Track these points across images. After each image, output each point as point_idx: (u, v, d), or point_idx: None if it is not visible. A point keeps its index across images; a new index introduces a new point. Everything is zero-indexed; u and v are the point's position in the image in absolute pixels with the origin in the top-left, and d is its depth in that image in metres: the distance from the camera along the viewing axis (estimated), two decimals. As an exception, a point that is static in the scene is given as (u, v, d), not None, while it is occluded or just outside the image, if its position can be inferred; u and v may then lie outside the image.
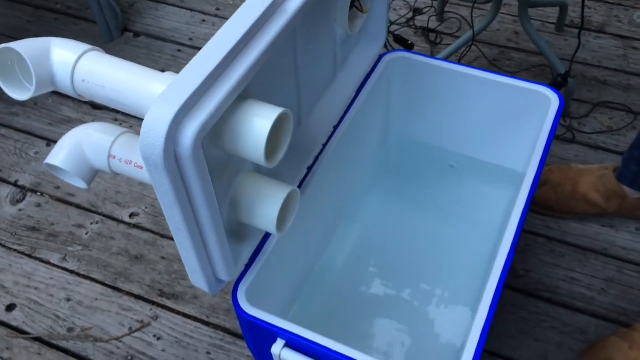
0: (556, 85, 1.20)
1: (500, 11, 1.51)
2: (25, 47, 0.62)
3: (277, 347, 0.71)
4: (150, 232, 1.16)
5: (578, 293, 1.03)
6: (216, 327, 1.03)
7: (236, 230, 0.74)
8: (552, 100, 0.92)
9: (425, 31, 1.48)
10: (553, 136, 0.88)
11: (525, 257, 1.08)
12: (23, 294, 1.09)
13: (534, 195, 1.11)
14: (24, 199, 1.24)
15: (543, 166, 0.85)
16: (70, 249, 1.15)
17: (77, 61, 0.63)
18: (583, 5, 1.17)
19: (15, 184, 1.27)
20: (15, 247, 1.16)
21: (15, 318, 1.06)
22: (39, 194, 1.25)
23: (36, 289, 1.10)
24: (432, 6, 1.54)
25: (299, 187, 0.83)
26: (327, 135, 0.88)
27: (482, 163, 1.09)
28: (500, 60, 1.41)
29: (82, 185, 0.75)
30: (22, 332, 1.05)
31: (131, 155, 0.72)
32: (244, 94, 0.61)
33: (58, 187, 1.25)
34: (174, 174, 0.55)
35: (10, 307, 1.08)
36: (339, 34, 0.86)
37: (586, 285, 1.04)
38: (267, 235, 0.78)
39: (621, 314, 1.00)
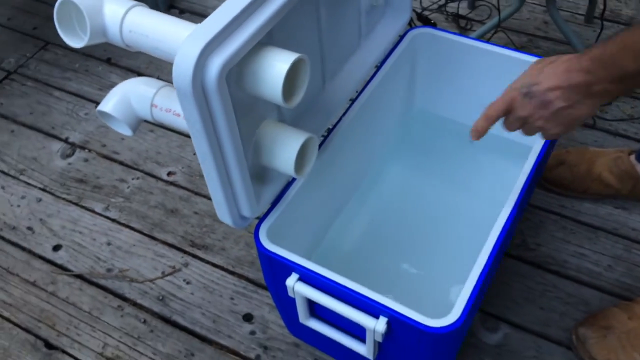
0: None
1: (530, 0, 1.55)
2: (82, 1, 0.71)
3: (292, 280, 0.78)
4: (185, 189, 1.26)
5: (585, 268, 1.07)
6: (240, 276, 1.12)
7: (260, 173, 0.82)
8: (565, 76, 0.96)
9: (456, 17, 1.54)
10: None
11: (537, 232, 1.12)
12: (68, 237, 1.20)
13: (550, 174, 1.16)
14: (73, 154, 1.35)
15: (549, 141, 0.89)
16: (112, 200, 1.26)
17: (125, 14, 0.72)
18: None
19: (65, 141, 1.38)
20: (63, 195, 1.27)
21: (60, 257, 1.17)
22: (86, 150, 1.36)
23: (80, 232, 1.21)
24: (466, -6, 1.59)
25: (322, 143, 0.90)
26: (350, 99, 0.95)
27: (500, 139, 1.13)
28: (528, 47, 1.45)
29: (127, 132, 0.83)
30: (65, 269, 1.15)
31: (170, 104, 0.80)
32: (267, 41, 0.69)
33: (104, 145, 1.36)
34: (201, 104, 0.63)
35: (56, 247, 1.19)
36: (363, 3, 0.93)
37: (594, 261, 1.08)
38: (291, 183, 0.86)
39: (625, 290, 1.04)
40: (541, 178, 1.17)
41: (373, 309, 0.73)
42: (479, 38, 1.34)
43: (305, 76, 0.72)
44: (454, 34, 1.06)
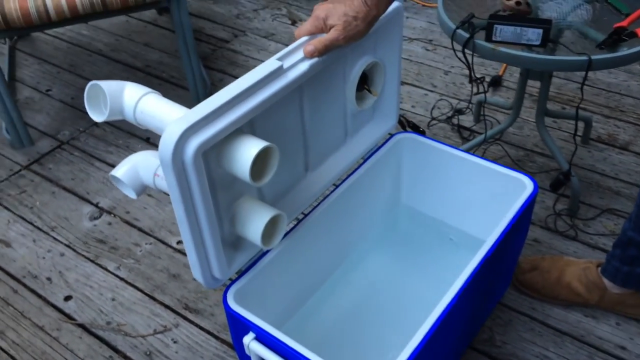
0: (559, 181, 1.33)
1: (532, 119, 1.67)
2: (107, 85, 0.89)
3: (248, 338, 0.88)
4: (189, 257, 1.38)
5: (546, 369, 1.11)
6: (223, 341, 1.21)
7: (235, 241, 0.94)
8: (527, 185, 1.06)
9: (460, 128, 1.67)
10: (520, 214, 1.02)
11: (505, 330, 1.18)
12: (80, 289, 1.34)
13: (524, 277, 1.23)
14: (100, 217, 1.52)
15: (504, 236, 0.98)
16: (124, 260, 1.40)
17: (139, 98, 0.89)
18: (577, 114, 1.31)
19: (96, 205, 1.55)
20: (83, 252, 1.43)
21: (69, 307, 1.30)
22: (112, 215, 1.52)
23: (91, 287, 1.34)
24: (471, 109, 1.74)
25: (298, 223, 1.02)
26: (331, 186, 1.08)
27: (476, 240, 1.23)
28: (523, 161, 1.56)
29: (132, 195, 0.97)
30: (71, 318, 1.28)
31: (170, 174, 0.95)
32: (248, 129, 0.83)
33: (128, 212, 1.52)
34: (180, 175, 0.77)
35: (67, 298, 1.32)
36: (349, 107, 1.08)
37: (556, 363, 1.12)
38: (265, 254, 0.97)
39: (583, 395, 1.07)
40: (514, 279, 1.24)
41: (312, 370, 0.81)
42: (469, 150, 1.47)
43: (275, 162, 0.85)
44: (437, 142, 1.19)
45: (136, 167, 0.96)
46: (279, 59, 0.86)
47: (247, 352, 0.89)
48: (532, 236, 1.36)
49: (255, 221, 0.89)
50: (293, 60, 0.87)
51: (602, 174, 1.51)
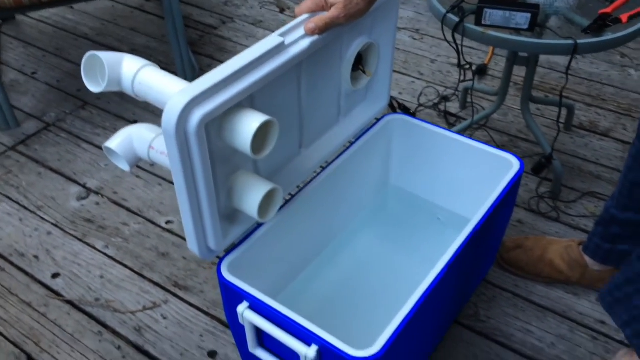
0: (541, 164, 1.36)
1: (517, 107, 1.71)
2: (105, 56, 0.89)
3: (242, 307, 0.89)
4: (179, 237, 1.39)
5: (529, 343, 1.14)
6: (213, 317, 1.22)
7: (231, 214, 0.95)
8: (514, 164, 1.09)
9: (447, 114, 1.70)
10: (507, 192, 1.04)
11: (490, 306, 1.21)
12: (68, 267, 1.33)
13: (508, 255, 1.26)
14: (87, 197, 1.51)
15: (490, 213, 1.01)
16: (113, 239, 1.40)
17: (138, 70, 0.89)
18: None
19: (83, 186, 1.55)
20: (70, 231, 1.42)
21: (57, 284, 1.30)
22: (100, 195, 1.52)
23: (79, 265, 1.34)
24: (457, 95, 1.77)
25: (291, 198, 1.04)
26: (323, 164, 1.10)
27: (464, 219, 1.25)
28: (507, 146, 1.60)
29: (125, 167, 0.98)
30: (59, 295, 1.28)
31: (165, 148, 0.95)
32: (248, 104, 0.85)
33: (115, 193, 1.52)
34: (182, 145, 0.78)
35: (55, 275, 1.32)
36: (344, 87, 1.10)
37: (538, 337, 1.15)
38: (258, 227, 0.99)
39: (565, 368, 1.11)
40: (499, 257, 1.28)
41: (307, 337, 0.83)
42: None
43: (274, 136, 0.86)
44: (426, 122, 1.21)
45: (131, 139, 0.97)
46: (281, 35, 0.87)
47: (240, 321, 0.90)
48: (516, 217, 1.39)
49: (252, 194, 0.90)
50: (294, 37, 0.88)
51: (583, 159, 1.55)
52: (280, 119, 0.95)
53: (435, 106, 1.75)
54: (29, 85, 1.92)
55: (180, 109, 0.75)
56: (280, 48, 0.86)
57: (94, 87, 0.91)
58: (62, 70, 1.99)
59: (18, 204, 1.50)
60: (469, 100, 1.72)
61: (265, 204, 0.93)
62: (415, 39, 2.08)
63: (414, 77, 1.89)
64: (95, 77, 0.92)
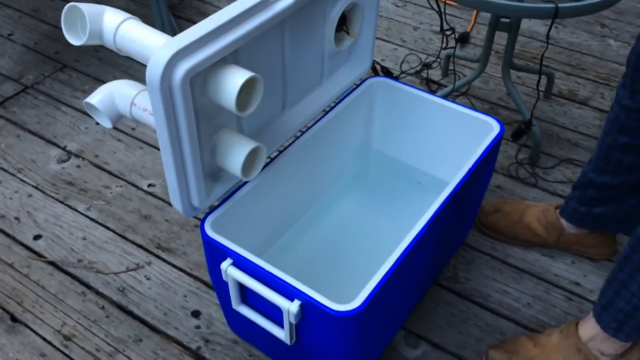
0: (520, 130, 1.39)
1: (498, 74, 1.73)
2: (87, 7, 0.88)
3: (226, 264, 0.90)
4: (161, 199, 1.39)
5: (506, 303, 1.18)
6: (196, 278, 1.23)
7: (215, 172, 0.96)
8: (494, 127, 1.11)
9: (429, 82, 1.71)
10: (487, 154, 1.06)
11: (468, 268, 1.24)
12: (49, 229, 1.33)
13: (486, 219, 1.29)
14: (68, 160, 1.50)
15: (470, 175, 1.03)
16: (94, 202, 1.39)
17: (120, 23, 0.88)
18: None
19: (63, 148, 1.53)
20: (51, 194, 1.41)
21: (39, 245, 1.30)
22: (80, 158, 1.51)
23: (60, 226, 1.34)
24: (439, 62, 1.77)
25: (275, 157, 1.05)
26: (305, 126, 1.10)
27: (444, 183, 1.28)
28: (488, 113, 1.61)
29: (107, 124, 0.97)
30: (41, 256, 1.27)
31: (147, 104, 0.94)
32: (232, 60, 0.84)
33: (97, 156, 1.51)
34: (167, 100, 0.77)
35: (36, 237, 1.31)
36: (327, 47, 1.10)
37: (515, 298, 1.19)
38: (241, 186, 0.99)
39: (539, 325, 1.14)
40: (477, 221, 1.30)
41: (289, 292, 0.84)
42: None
43: (259, 93, 0.86)
44: (409, 85, 1.22)
45: (112, 95, 0.96)
46: (264, -10, 0.86)
47: (224, 277, 0.91)
48: (495, 183, 1.42)
49: (236, 152, 0.90)
50: (278, -7, 0.88)
51: (562, 127, 1.58)
52: (264, 78, 0.95)
53: (417, 73, 1.75)
54: (5, 47, 1.88)
55: (165, 61, 0.75)
56: (265, 4, 0.86)
57: (74, 40, 0.90)
58: (39, 32, 1.95)
59: (-3, 166, 1.49)
60: (450, 67, 1.72)
61: (249, 162, 0.93)
62: (398, 6, 2.07)
63: (397, 44, 1.89)
64: (76, 29, 0.90)
